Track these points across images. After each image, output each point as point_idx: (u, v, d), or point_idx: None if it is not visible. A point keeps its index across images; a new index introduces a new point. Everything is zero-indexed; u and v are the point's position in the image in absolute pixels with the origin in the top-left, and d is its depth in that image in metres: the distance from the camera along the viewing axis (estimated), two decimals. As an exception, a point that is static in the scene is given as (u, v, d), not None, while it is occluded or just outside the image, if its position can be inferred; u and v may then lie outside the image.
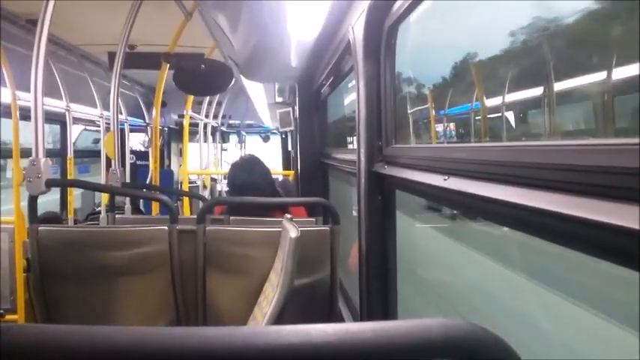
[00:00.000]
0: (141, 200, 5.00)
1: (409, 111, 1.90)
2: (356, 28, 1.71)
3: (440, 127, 1.92)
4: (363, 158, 1.71)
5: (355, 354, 0.43)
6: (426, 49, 1.81)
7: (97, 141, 6.40)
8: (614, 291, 1.21)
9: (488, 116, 1.43)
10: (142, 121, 6.55)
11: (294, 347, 0.42)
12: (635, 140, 0.52)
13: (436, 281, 2.44)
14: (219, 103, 6.56)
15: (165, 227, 1.91)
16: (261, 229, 1.91)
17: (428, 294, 2.35)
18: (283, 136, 8.04)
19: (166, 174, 6.99)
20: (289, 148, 7.27)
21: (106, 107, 4.72)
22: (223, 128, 8.39)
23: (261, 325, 1.49)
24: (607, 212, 0.56)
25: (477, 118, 1.59)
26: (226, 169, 4.09)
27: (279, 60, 2.87)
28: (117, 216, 2.52)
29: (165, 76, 3.49)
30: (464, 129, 1.83)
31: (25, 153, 2.30)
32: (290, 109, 4.18)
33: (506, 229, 1.28)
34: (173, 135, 7.74)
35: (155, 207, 3.77)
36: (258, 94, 4.85)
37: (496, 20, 1.21)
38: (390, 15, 1.52)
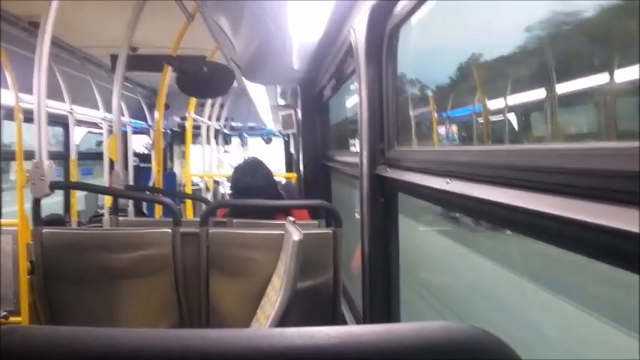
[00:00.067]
0: (144, 203, 5.00)
1: (411, 113, 1.90)
2: (358, 31, 1.72)
3: (442, 130, 1.92)
4: (365, 161, 1.72)
5: (358, 356, 0.43)
6: (428, 51, 1.81)
7: (99, 143, 6.42)
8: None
9: (491, 119, 1.43)
10: (144, 123, 6.56)
11: (298, 349, 0.42)
12: (635, 144, 0.53)
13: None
14: (221, 106, 6.57)
15: (169, 230, 1.91)
16: (264, 232, 1.92)
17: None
18: (285, 139, 8.04)
19: (169, 176, 7.00)
20: (292, 151, 7.27)
21: (108, 109, 4.73)
22: (225, 130, 8.39)
23: (264, 327, 1.49)
24: (607, 215, 0.57)
25: (479, 120, 1.59)
26: (229, 171, 4.09)
27: (281, 62, 2.88)
28: (120, 218, 2.53)
29: (167, 78, 3.49)
30: (466, 132, 1.83)
31: (29, 155, 2.30)
32: (292, 111, 4.19)
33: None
34: (176, 137, 7.75)
35: (158, 209, 3.77)
36: (260, 96, 4.85)
37: (497, 21, 1.21)
38: (391, 17, 1.53)
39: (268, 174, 2.52)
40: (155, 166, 4.19)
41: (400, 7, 1.43)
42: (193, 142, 5.20)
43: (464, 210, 1.23)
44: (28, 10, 3.04)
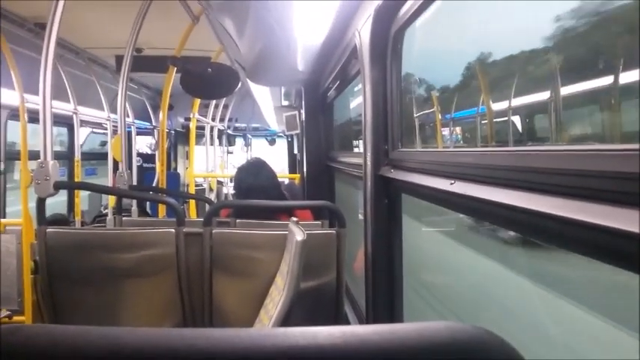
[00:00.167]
0: (148, 203, 5.01)
1: (415, 115, 1.90)
2: (362, 33, 1.72)
3: (446, 131, 1.92)
4: (369, 162, 1.72)
5: (361, 356, 0.43)
6: (431, 52, 1.81)
7: (104, 143, 6.44)
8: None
9: (495, 120, 1.43)
10: (148, 124, 6.58)
11: (301, 349, 0.42)
12: (636, 146, 0.53)
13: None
14: (225, 107, 6.58)
15: (172, 230, 1.92)
16: (268, 232, 1.92)
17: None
18: (289, 140, 8.05)
19: (173, 177, 7.01)
20: (295, 152, 7.28)
21: (113, 110, 4.75)
22: (230, 131, 8.41)
23: (267, 327, 1.49)
24: (608, 216, 0.57)
25: (483, 122, 1.59)
26: (232, 172, 4.09)
27: (285, 64, 2.88)
28: (124, 218, 2.54)
29: (172, 79, 3.51)
30: (470, 133, 1.83)
31: (33, 155, 2.31)
32: (296, 112, 4.19)
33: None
34: (180, 138, 7.77)
35: (162, 209, 3.78)
36: (264, 97, 4.86)
37: (501, 22, 1.21)
38: (396, 19, 1.53)
39: (272, 174, 2.52)
40: (159, 167, 4.20)
41: (405, 10, 1.43)
42: (197, 143, 5.21)
43: (468, 211, 1.23)
44: (34, 11, 3.05)
